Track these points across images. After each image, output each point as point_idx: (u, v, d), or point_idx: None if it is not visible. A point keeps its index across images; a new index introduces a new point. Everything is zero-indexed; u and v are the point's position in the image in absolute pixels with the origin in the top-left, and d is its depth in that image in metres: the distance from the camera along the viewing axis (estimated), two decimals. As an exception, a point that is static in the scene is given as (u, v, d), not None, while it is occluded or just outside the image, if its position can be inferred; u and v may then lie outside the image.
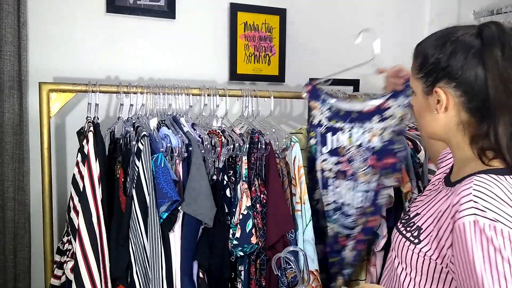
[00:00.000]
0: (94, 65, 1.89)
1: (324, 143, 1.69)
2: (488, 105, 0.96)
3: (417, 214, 1.07)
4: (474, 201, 0.90)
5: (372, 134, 1.63)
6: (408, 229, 1.07)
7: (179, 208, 1.48)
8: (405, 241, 1.05)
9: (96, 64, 1.90)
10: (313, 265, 1.65)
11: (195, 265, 1.53)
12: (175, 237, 1.49)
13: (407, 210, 1.17)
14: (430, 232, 1.01)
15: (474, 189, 0.92)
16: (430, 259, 1.00)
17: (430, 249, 0.99)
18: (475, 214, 0.89)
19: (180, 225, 1.50)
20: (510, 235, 0.86)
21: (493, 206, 0.89)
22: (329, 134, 1.68)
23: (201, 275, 1.53)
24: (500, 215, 0.88)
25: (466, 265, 0.89)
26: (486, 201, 0.90)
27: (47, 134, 1.57)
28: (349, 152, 1.65)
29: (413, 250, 1.03)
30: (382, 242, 1.71)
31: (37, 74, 1.79)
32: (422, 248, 1.01)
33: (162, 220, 1.45)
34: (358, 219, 1.66)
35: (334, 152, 1.68)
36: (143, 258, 1.43)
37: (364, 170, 1.63)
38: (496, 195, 0.91)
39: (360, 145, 1.64)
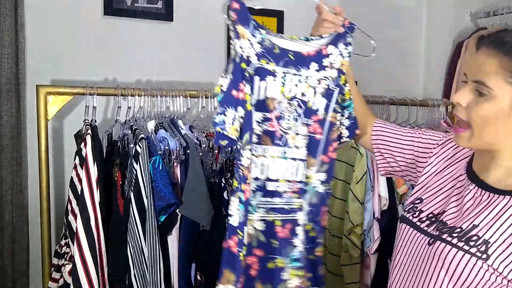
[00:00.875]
0: (91, 67, 1.90)
1: (250, 89, 1.15)
2: None
3: (475, 226, 0.96)
4: None
5: (307, 85, 1.19)
6: (471, 243, 0.94)
7: (177, 210, 1.48)
8: (470, 257, 0.92)
9: (94, 67, 1.90)
10: None
11: (193, 268, 1.53)
12: (173, 239, 1.50)
13: (443, 221, 1.04)
14: (502, 246, 0.91)
15: None
16: (500, 274, 0.90)
17: (502, 263, 0.90)
18: None
19: (178, 228, 1.50)
20: None
21: None
22: (256, 79, 1.14)
23: (198, 277, 1.54)
24: None
25: None
26: None
27: (44, 137, 1.57)
28: (280, 106, 1.17)
29: (480, 266, 0.91)
30: (375, 245, 1.71)
31: (34, 76, 1.79)
32: (492, 264, 0.90)
33: (160, 223, 1.45)
34: (292, 197, 1.18)
35: (261, 104, 1.15)
36: (141, 261, 1.44)
37: (295, 130, 1.18)
38: None
39: (293, 98, 1.18)
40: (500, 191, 0.96)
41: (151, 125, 1.62)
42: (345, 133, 1.23)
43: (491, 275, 0.90)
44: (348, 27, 1.24)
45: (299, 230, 1.17)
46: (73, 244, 1.42)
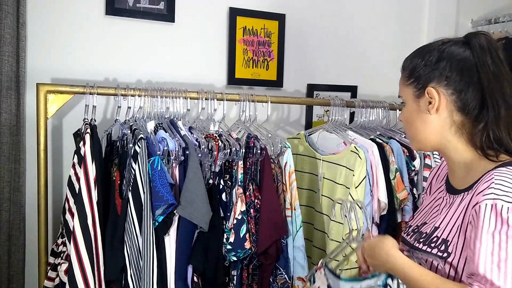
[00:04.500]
0: (92, 67, 1.89)
1: None
2: (482, 103, 1.02)
3: (436, 228, 1.07)
4: (495, 188, 0.94)
5: None
6: (432, 245, 1.05)
7: (175, 211, 1.47)
8: (432, 261, 1.04)
9: (94, 66, 1.90)
10: (303, 272, 1.66)
11: (190, 269, 1.53)
12: (170, 240, 1.49)
13: (421, 231, 1.14)
14: (458, 243, 1.01)
15: (495, 179, 0.96)
16: (455, 268, 1.00)
17: (458, 259, 1.00)
18: (493, 198, 0.92)
19: (175, 229, 1.50)
20: None
21: None
22: None
23: (195, 279, 1.53)
24: None
25: (472, 240, 0.94)
26: (506, 186, 0.93)
27: (43, 135, 1.57)
28: None
29: (442, 266, 1.02)
30: None
31: (35, 75, 1.78)
32: (451, 261, 1.01)
33: (157, 224, 1.45)
34: None
35: None
36: (137, 261, 1.43)
37: None
38: None
39: None
40: (458, 191, 1.07)
41: (150, 125, 1.62)
42: None
43: (450, 270, 1.01)
44: None
45: None
46: (70, 243, 1.41)
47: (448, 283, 0.98)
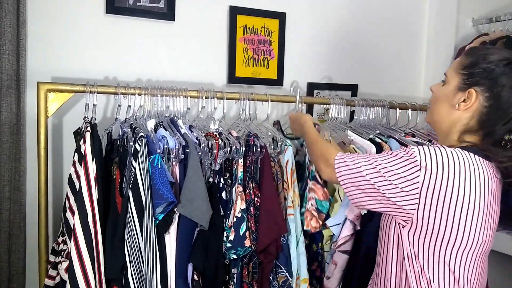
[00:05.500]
0: (92, 65, 1.89)
1: None
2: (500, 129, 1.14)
3: None
4: (426, 147, 1.11)
5: None
6: None
7: (175, 210, 1.47)
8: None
9: (95, 65, 1.90)
10: (304, 270, 1.66)
11: (190, 267, 1.53)
12: (171, 239, 1.49)
13: None
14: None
15: (433, 146, 1.11)
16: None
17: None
18: (414, 150, 1.11)
19: (175, 227, 1.50)
20: (415, 164, 1.08)
21: (434, 158, 1.07)
22: None
23: (195, 277, 1.53)
24: (428, 160, 1.07)
25: None
26: (431, 151, 1.09)
27: (44, 133, 1.57)
28: None
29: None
30: (339, 242, 1.68)
31: (35, 73, 1.79)
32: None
33: (157, 222, 1.45)
34: None
35: None
36: (138, 260, 1.43)
37: None
38: (446, 156, 1.08)
39: None
40: None
41: (151, 124, 1.62)
42: None
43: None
44: None
45: None
46: (70, 241, 1.41)
47: (326, 143, 1.39)
